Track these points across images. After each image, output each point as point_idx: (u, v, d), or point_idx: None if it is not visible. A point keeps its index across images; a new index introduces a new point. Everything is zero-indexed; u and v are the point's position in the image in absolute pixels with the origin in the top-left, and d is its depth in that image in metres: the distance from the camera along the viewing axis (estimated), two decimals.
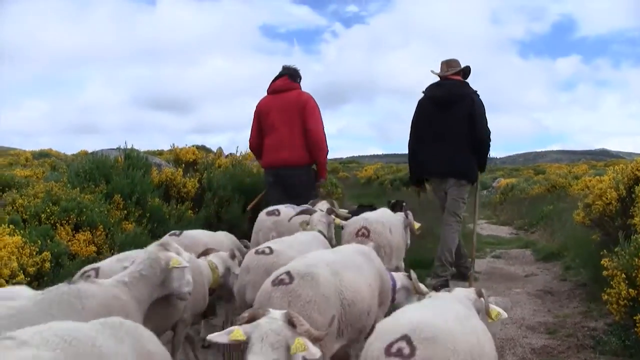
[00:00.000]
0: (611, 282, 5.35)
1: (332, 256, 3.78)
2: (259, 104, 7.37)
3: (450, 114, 7.25)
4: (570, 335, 5.94)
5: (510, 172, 33.91)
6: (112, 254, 5.45)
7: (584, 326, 6.16)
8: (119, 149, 9.53)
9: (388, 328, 2.58)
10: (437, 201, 8.10)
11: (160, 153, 16.29)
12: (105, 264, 4.13)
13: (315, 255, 3.76)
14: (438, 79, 7.74)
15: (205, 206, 8.85)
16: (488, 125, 7.46)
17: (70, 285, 3.15)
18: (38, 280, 5.41)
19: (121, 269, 3.72)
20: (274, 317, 2.69)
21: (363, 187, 26.23)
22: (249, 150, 8.61)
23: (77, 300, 3.06)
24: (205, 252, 4.92)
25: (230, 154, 11.73)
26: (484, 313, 3.29)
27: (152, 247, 3.76)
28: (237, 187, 9.37)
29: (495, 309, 3.34)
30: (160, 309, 3.77)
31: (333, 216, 5.45)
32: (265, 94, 7.44)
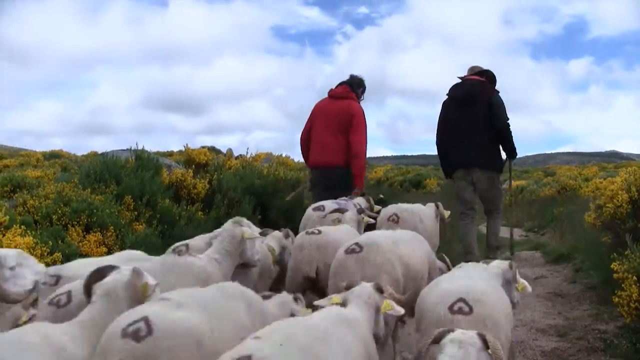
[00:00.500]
0: (622, 285, 5.34)
1: (390, 233, 4.66)
2: (317, 104, 7.83)
3: (471, 110, 7.66)
4: (580, 338, 5.91)
5: (520, 174, 33.74)
6: None
7: (595, 329, 6.13)
8: (129, 150, 9.56)
9: (445, 292, 3.27)
10: (460, 193, 8.20)
11: (170, 154, 16.37)
12: (194, 241, 4.77)
13: (376, 233, 4.80)
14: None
15: (215, 207, 8.88)
16: (507, 116, 7.79)
17: (182, 257, 3.91)
18: None
19: (205, 245, 4.43)
20: (365, 285, 3.35)
21: (372, 188, 26.09)
22: (258, 152, 8.86)
23: (189, 269, 3.75)
24: (263, 233, 5.29)
25: (241, 155, 11.76)
26: (513, 283, 3.96)
27: (229, 225, 4.42)
28: (247, 189, 9.40)
29: (522, 281, 4.02)
30: (235, 276, 4.31)
31: (363, 215, 5.88)
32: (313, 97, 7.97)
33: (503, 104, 7.77)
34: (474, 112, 7.60)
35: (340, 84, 7.78)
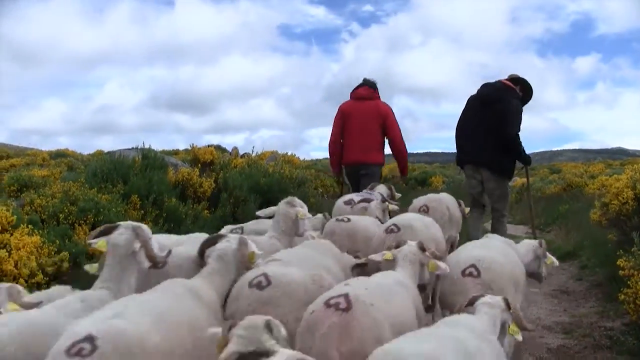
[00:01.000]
0: (628, 282, 5.34)
1: (420, 217, 5.29)
2: (343, 107, 8.19)
3: (489, 110, 7.67)
4: (586, 335, 5.91)
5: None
6: None
7: (601, 326, 6.13)
8: (135, 148, 9.57)
9: (461, 259, 4.11)
10: (469, 189, 8.28)
11: (175, 153, 16.38)
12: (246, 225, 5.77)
13: (409, 215, 5.36)
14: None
15: (221, 206, 8.91)
16: (519, 127, 7.78)
17: (251, 236, 4.41)
18: (57, 280, 5.45)
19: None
20: (411, 244, 3.98)
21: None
22: (264, 150, 9.06)
23: (259, 245, 4.12)
24: None
25: (246, 153, 11.76)
26: (543, 258, 4.88)
27: (283, 206, 5.04)
28: (252, 187, 9.41)
29: (551, 257, 4.97)
30: None
31: (387, 203, 6.40)
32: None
33: (519, 114, 7.75)
34: (491, 114, 7.64)
35: (360, 85, 8.18)
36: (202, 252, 3.78)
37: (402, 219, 5.12)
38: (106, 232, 3.55)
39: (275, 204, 5.60)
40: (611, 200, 7.53)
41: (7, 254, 5.42)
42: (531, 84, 8.00)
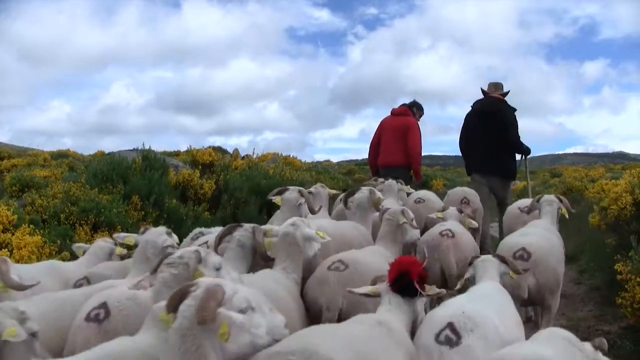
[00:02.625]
0: (626, 286, 5.36)
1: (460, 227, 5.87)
2: (383, 120, 10.09)
3: (489, 124, 8.87)
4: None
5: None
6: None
7: (598, 330, 6.14)
8: (135, 149, 9.59)
9: (512, 243, 5.04)
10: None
11: (177, 154, 16.39)
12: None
13: (455, 224, 5.86)
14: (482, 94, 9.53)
15: (221, 207, 8.93)
16: (518, 132, 9.14)
17: None
18: None
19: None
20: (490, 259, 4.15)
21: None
22: (264, 152, 9.35)
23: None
24: None
25: (247, 155, 11.77)
26: None
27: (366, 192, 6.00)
28: (253, 189, 9.43)
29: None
30: None
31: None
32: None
33: (516, 122, 9.06)
34: (491, 126, 8.83)
35: (402, 105, 10.09)
36: (219, 240, 4.24)
37: (452, 225, 5.72)
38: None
39: (275, 206, 5.79)
40: (610, 205, 7.55)
41: (8, 253, 5.46)
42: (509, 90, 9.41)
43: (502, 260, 4.10)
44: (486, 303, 3.30)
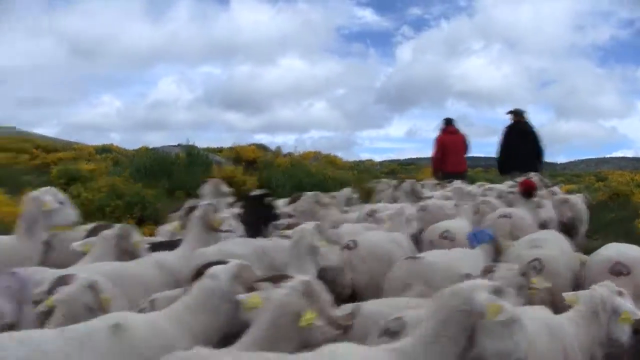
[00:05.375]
0: None
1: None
2: (442, 138, 13.07)
3: (525, 138, 12.47)
4: None
5: (571, 178, 32.84)
6: None
7: None
8: (179, 145, 9.62)
9: (606, 258, 5.02)
10: None
11: (220, 150, 16.47)
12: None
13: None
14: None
15: None
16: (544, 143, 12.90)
17: None
18: None
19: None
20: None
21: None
22: (307, 150, 9.43)
23: None
24: None
25: (289, 153, 11.73)
26: None
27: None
28: (295, 186, 9.38)
29: None
30: None
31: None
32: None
33: (540, 137, 12.75)
34: (528, 140, 12.45)
35: (448, 124, 13.20)
36: None
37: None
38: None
39: None
40: None
41: None
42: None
43: None
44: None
